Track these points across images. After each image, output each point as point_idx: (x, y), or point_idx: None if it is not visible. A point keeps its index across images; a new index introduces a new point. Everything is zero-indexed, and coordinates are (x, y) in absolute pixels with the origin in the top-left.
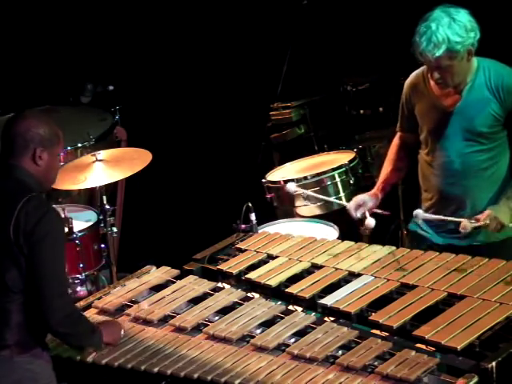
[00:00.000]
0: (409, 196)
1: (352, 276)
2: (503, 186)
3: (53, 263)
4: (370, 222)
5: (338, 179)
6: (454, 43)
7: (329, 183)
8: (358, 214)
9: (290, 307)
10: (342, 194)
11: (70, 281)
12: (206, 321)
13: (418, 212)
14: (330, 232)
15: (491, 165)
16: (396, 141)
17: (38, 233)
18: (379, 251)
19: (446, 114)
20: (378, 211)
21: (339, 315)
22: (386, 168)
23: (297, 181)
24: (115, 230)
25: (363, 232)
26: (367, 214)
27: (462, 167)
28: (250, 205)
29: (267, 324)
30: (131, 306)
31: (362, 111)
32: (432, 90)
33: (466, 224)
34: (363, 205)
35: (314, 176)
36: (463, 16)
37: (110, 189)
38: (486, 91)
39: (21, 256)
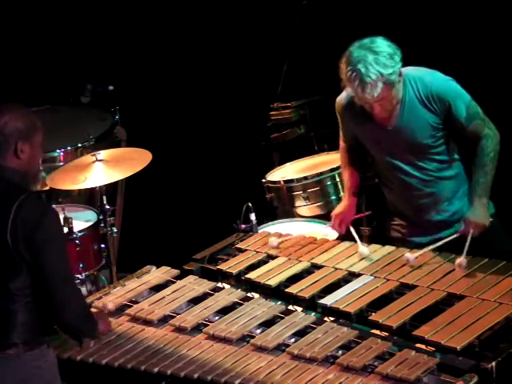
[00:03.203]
0: None
1: (352, 276)
2: (463, 178)
3: (59, 265)
4: (364, 250)
5: (338, 179)
6: (388, 75)
7: (329, 183)
8: (344, 229)
9: (290, 307)
10: (342, 194)
11: None
12: (206, 321)
13: (409, 257)
14: (330, 232)
15: (448, 166)
16: (342, 144)
17: (38, 238)
18: (379, 251)
19: (387, 134)
20: (360, 216)
21: (339, 315)
22: (345, 173)
23: (297, 181)
24: (115, 230)
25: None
26: (358, 241)
27: (420, 179)
28: (250, 205)
29: (267, 324)
30: (131, 306)
31: None
32: (367, 111)
33: (462, 261)
34: (343, 219)
35: (313, 176)
36: (382, 44)
37: (110, 189)
38: (418, 105)
39: (22, 262)
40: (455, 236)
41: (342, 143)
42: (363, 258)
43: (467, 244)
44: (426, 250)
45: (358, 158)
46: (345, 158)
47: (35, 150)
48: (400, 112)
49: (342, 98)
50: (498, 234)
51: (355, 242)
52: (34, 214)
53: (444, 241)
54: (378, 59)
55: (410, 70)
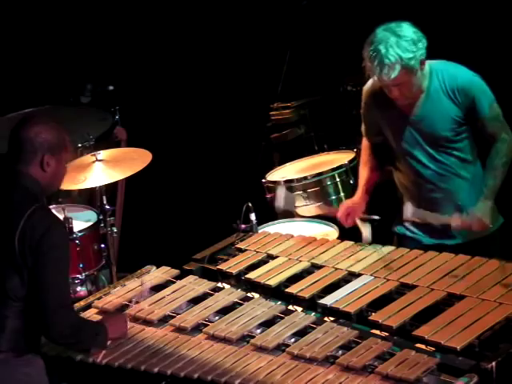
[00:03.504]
0: None
1: (352, 276)
2: (481, 181)
3: (56, 276)
4: (367, 237)
5: (337, 179)
6: (407, 60)
7: (329, 183)
8: (350, 222)
9: (290, 307)
10: (341, 194)
11: (70, 281)
12: (205, 321)
13: (408, 212)
14: (330, 232)
15: (464, 165)
16: (365, 143)
17: (43, 246)
18: (379, 251)
19: (409, 123)
20: (367, 217)
21: (339, 315)
22: (363, 170)
23: (297, 181)
24: (115, 230)
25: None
26: (362, 229)
27: (436, 173)
28: (250, 205)
29: (267, 324)
30: (131, 306)
31: None
32: (391, 99)
33: (456, 223)
34: (352, 212)
35: (314, 176)
36: (407, 30)
37: (110, 189)
38: (442, 96)
39: (24, 267)
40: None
41: (364, 142)
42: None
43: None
44: (424, 216)
45: (378, 157)
46: (365, 156)
47: (60, 166)
48: (423, 102)
49: (368, 85)
50: (495, 248)
51: (355, 241)
52: (44, 221)
53: (443, 219)
54: (399, 42)
55: (437, 63)
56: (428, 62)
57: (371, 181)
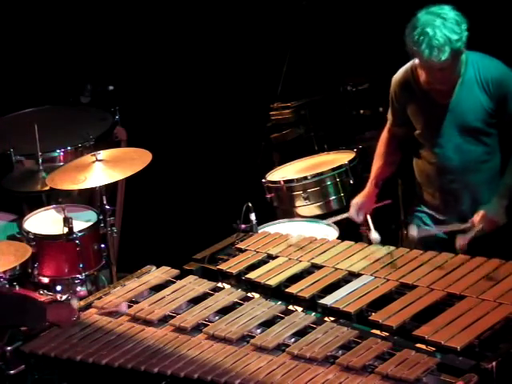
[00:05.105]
0: (409, 196)
1: (352, 276)
2: (499, 178)
3: None
4: (375, 237)
5: (337, 179)
6: (455, 41)
7: (329, 183)
8: (361, 217)
9: (290, 307)
10: (342, 194)
11: (70, 281)
12: (205, 321)
13: (415, 232)
14: (330, 232)
15: (488, 159)
16: (385, 134)
17: None
18: (379, 251)
19: (439, 111)
20: (379, 204)
21: (339, 315)
22: (377, 163)
23: (297, 181)
24: (115, 230)
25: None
26: (372, 228)
27: (460, 163)
28: (250, 205)
29: (267, 324)
30: (131, 306)
31: (362, 111)
32: (422, 86)
33: (461, 241)
34: (362, 208)
35: (314, 176)
36: (450, 12)
37: (110, 189)
38: (475, 86)
39: None
40: (466, 225)
41: (383, 134)
42: (374, 253)
43: (472, 232)
44: (434, 230)
45: (396, 152)
46: (382, 148)
47: None
48: (457, 90)
49: (398, 74)
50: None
51: (355, 241)
52: None
53: (454, 227)
54: (445, 24)
55: (473, 53)
56: (465, 51)
57: (382, 175)
